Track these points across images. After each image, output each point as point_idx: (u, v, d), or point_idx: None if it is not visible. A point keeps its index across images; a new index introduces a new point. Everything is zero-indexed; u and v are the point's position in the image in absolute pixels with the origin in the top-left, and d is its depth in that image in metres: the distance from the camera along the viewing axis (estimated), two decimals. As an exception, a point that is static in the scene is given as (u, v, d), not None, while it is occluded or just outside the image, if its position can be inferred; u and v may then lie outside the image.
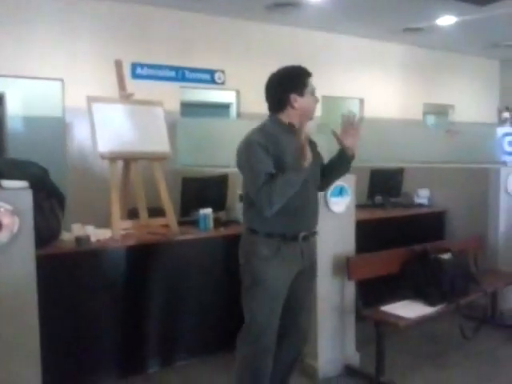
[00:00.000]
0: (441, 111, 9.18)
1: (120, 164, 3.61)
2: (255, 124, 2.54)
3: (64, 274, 3.04)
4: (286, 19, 6.31)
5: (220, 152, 4.04)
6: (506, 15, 5.91)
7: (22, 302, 2.35)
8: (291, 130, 2.40)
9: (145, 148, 3.55)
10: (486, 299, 3.81)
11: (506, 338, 3.89)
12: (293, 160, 2.29)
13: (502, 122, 6.27)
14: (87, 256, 3.14)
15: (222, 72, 6.17)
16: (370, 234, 3.84)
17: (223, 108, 6.83)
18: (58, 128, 5.50)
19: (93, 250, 3.16)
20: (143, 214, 3.62)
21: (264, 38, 6.54)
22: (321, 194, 3.18)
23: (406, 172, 4.95)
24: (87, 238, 3.15)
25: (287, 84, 2.43)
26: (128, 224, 3.55)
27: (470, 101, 8.78)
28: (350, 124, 2.50)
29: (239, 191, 3.50)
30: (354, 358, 3.40)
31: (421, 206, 4.86)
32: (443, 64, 8.36)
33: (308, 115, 2.48)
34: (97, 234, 3.28)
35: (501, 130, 4.91)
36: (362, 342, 3.44)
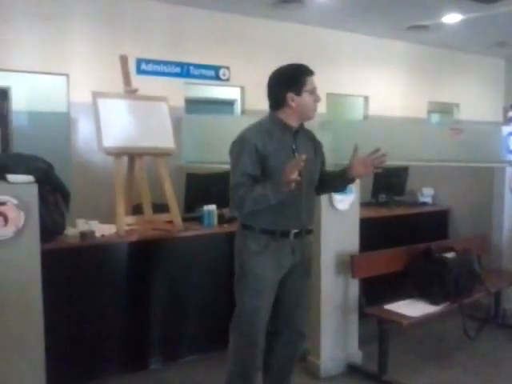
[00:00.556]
0: (445, 109, 9.15)
1: (125, 160, 3.61)
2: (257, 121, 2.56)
3: (68, 269, 3.04)
4: (292, 16, 6.30)
5: (224, 149, 4.01)
6: (512, 13, 5.89)
7: (26, 296, 2.35)
8: (287, 128, 2.42)
9: (150, 144, 3.55)
10: (490, 299, 3.80)
11: (509, 337, 3.88)
12: (281, 160, 2.30)
13: (507, 120, 6.25)
14: (92, 251, 3.15)
15: (227, 68, 6.17)
16: (374, 233, 3.83)
17: (228, 104, 6.82)
18: (62, 123, 5.50)
19: (97, 245, 3.16)
20: (147, 209, 3.62)
21: (269, 34, 6.53)
22: (325, 192, 3.20)
23: (411, 170, 4.93)
24: (92, 233, 3.16)
25: (285, 83, 2.43)
26: (132, 220, 3.56)
27: (474, 99, 8.75)
28: (372, 160, 2.45)
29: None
30: (356, 356, 3.40)
31: (425, 204, 4.85)
32: (448, 62, 8.33)
33: (306, 115, 2.45)
34: (101, 230, 3.29)
35: (506, 129, 4.89)
36: (365, 340, 3.44)
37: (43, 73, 5.36)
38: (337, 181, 2.58)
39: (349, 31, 7.06)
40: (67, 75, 5.33)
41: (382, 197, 4.80)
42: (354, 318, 3.40)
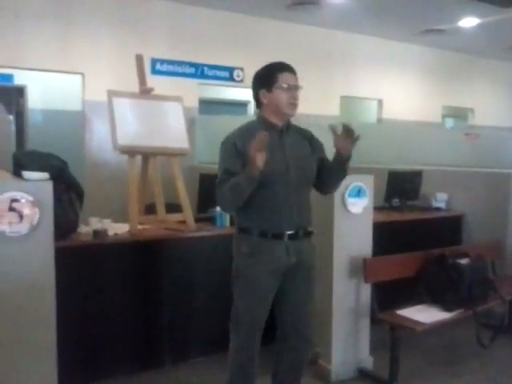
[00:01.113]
0: (460, 114, 9.10)
1: (138, 159, 3.62)
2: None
3: (81, 267, 3.05)
4: (306, 18, 6.30)
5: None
6: (530, 18, 5.84)
7: (39, 293, 2.35)
8: (272, 126, 2.41)
9: (164, 144, 3.55)
10: (504, 307, 3.75)
11: (523, 346, 3.83)
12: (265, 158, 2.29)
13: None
14: (104, 249, 3.16)
15: (241, 70, 6.18)
16: (387, 237, 3.80)
17: (241, 106, 6.83)
18: (77, 121, 5.55)
19: (110, 243, 3.17)
20: (160, 209, 3.62)
21: (284, 36, 6.53)
22: (339, 195, 3.19)
23: (425, 175, 4.89)
24: (105, 232, 3.16)
25: (257, 81, 2.47)
26: (145, 219, 3.56)
27: (490, 104, 8.68)
28: (347, 132, 2.37)
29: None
30: (367, 361, 3.37)
31: (438, 209, 4.81)
32: (464, 66, 8.28)
33: (281, 111, 2.42)
34: (114, 228, 3.30)
35: (522, 135, 4.84)
36: (376, 345, 3.41)
37: (59, 71, 5.41)
38: (334, 168, 2.50)
39: (364, 34, 7.04)
40: (82, 74, 5.37)
41: (396, 201, 4.76)
42: (365, 323, 3.37)
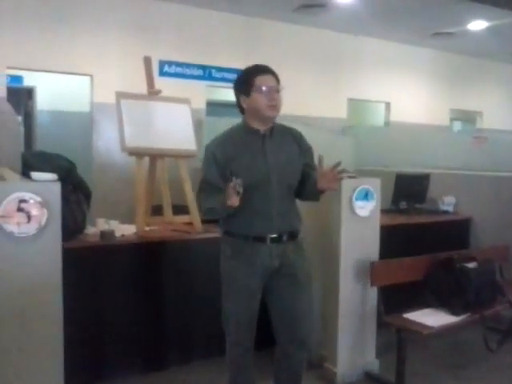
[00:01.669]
0: (468, 118, 9.06)
1: (146, 160, 3.63)
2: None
3: (87, 268, 3.06)
4: (314, 21, 6.30)
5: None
6: (540, 21, 5.81)
7: (47, 293, 2.36)
8: (253, 131, 2.42)
9: (171, 145, 3.56)
10: (512, 311, 3.72)
11: (531, 351, 3.80)
12: (245, 162, 2.34)
13: (531, 130, 6.15)
14: (111, 250, 3.17)
15: (249, 72, 6.18)
16: (394, 240, 3.78)
17: (248, 108, 6.83)
18: (85, 123, 5.58)
19: (117, 244, 3.18)
20: (167, 210, 3.62)
21: (291, 39, 6.53)
22: (346, 197, 3.18)
23: (432, 178, 4.87)
24: (112, 233, 3.17)
25: (236, 87, 2.48)
26: (152, 220, 3.57)
27: (498, 108, 8.64)
28: (334, 175, 2.36)
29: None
30: (373, 364, 3.36)
31: (446, 212, 4.78)
32: (472, 70, 8.24)
33: (261, 114, 2.38)
34: (121, 229, 3.31)
35: (531, 139, 4.81)
36: (382, 348, 3.40)
37: (67, 73, 5.44)
38: (309, 189, 2.47)
39: (372, 37, 7.03)
40: (91, 76, 5.40)
41: (403, 204, 4.74)
42: (371, 326, 3.36)
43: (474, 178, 4.77)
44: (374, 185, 3.30)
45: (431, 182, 4.89)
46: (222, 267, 2.53)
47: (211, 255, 3.48)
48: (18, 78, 6.17)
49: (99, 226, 3.30)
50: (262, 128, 2.43)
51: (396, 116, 7.56)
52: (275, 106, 2.38)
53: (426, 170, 5.06)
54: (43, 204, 2.29)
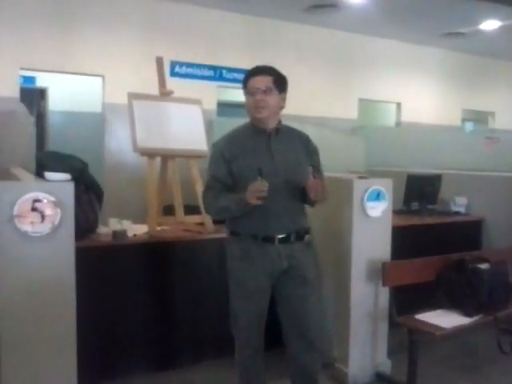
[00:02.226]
0: (480, 118, 8.99)
1: (157, 161, 3.65)
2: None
3: (100, 267, 3.08)
4: (325, 21, 6.29)
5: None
6: (553, 21, 5.75)
7: (61, 292, 2.38)
8: (258, 130, 2.46)
9: (183, 146, 3.57)
10: (525, 313, 3.69)
11: (545, 354, 3.76)
12: (249, 161, 2.36)
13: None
14: (124, 250, 3.18)
15: (259, 72, 6.18)
16: (405, 241, 3.76)
17: (259, 109, 6.83)
18: (96, 123, 5.61)
19: (129, 244, 3.20)
20: (179, 211, 3.63)
21: (302, 39, 6.53)
22: (357, 198, 3.17)
23: (444, 178, 4.84)
24: (124, 233, 3.19)
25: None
26: (164, 220, 3.59)
27: (511, 108, 8.56)
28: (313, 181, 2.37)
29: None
30: (385, 365, 3.35)
31: (458, 213, 4.75)
32: (484, 70, 8.18)
33: (251, 115, 2.47)
34: (133, 229, 3.33)
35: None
36: (394, 349, 3.38)
37: (79, 74, 5.48)
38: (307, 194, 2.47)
39: (383, 37, 7.00)
40: (103, 76, 5.43)
41: (415, 205, 4.72)
42: (383, 327, 3.35)
43: (486, 179, 4.74)
44: (385, 185, 3.29)
45: (443, 182, 4.86)
46: (230, 268, 2.52)
47: (222, 255, 3.50)
48: (31, 79, 6.22)
49: (111, 225, 3.32)
50: (265, 127, 2.46)
51: (407, 116, 7.53)
52: (260, 107, 2.42)
53: (438, 171, 5.04)
54: (57, 204, 2.31)
